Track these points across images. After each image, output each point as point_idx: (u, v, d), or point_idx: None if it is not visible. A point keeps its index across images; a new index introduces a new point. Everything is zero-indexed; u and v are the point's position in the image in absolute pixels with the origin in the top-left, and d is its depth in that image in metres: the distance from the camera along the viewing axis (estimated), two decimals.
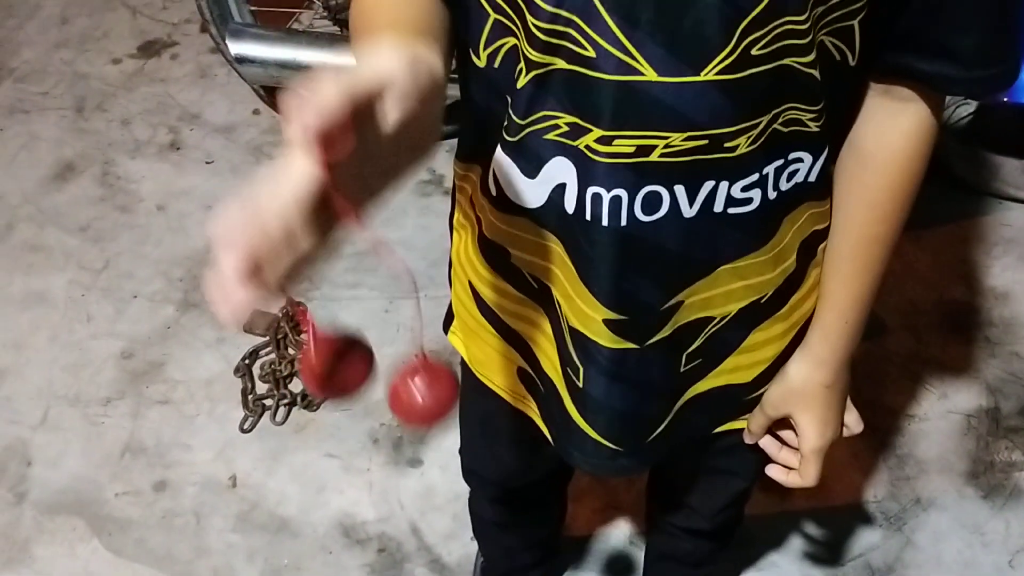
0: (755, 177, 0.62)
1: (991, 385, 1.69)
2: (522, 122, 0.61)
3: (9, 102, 2.24)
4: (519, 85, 0.60)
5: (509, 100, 0.62)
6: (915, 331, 1.75)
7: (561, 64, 0.57)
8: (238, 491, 1.58)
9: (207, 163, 2.10)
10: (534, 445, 0.89)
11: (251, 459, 1.62)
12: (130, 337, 1.78)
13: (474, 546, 1.47)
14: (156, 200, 2.02)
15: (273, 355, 1.73)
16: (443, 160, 2.03)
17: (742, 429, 0.85)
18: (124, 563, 1.51)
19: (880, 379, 1.68)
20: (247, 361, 1.72)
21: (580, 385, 0.75)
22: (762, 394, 0.81)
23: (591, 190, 0.62)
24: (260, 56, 1.87)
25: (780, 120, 0.60)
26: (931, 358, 1.72)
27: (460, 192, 0.78)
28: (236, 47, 1.86)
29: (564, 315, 0.71)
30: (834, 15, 0.57)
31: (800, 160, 0.64)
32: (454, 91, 0.67)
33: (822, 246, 0.73)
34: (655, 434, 0.79)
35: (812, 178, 0.66)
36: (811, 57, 0.57)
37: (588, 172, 0.61)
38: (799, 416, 0.79)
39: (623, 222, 0.62)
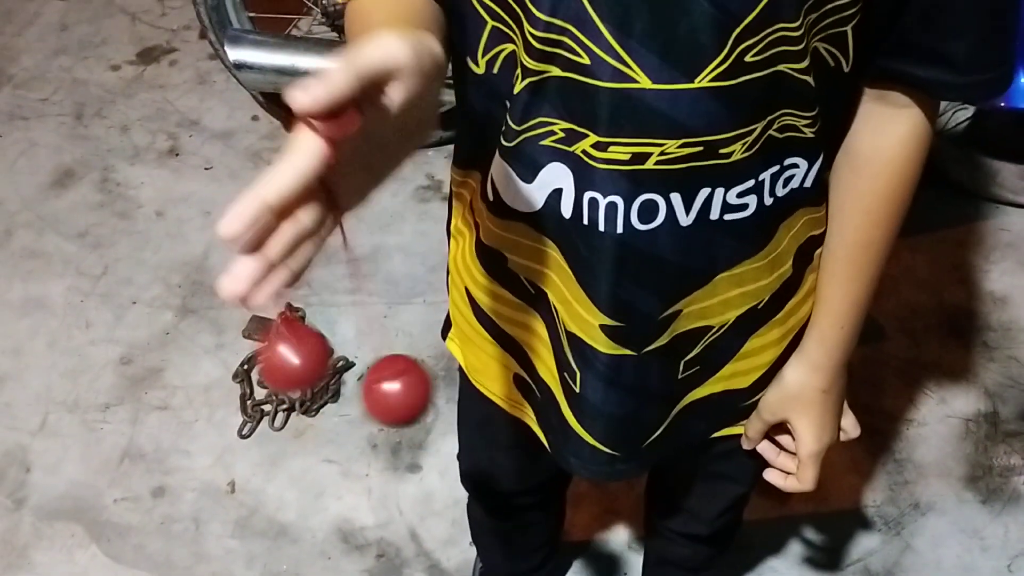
0: (751, 183, 0.63)
1: (989, 389, 1.69)
2: (518, 128, 0.62)
3: (8, 109, 2.24)
4: (515, 91, 0.60)
5: (508, 105, 0.62)
6: (913, 336, 1.75)
7: (556, 71, 0.57)
8: (237, 497, 1.58)
9: (206, 169, 2.10)
10: (532, 451, 0.89)
11: (250, 465, 1.62)
12: (129, 343, 1.78)
13: (473, 551, 1.46)
14: (155, 206, 2.02)
15: None
16: (441, 166, 2.03)
17: (740, 434, 0.85)
18: (123, 569, 1.50)
19: (878, 384, 1.68)
20: (246, 367, 1.72)
21: (577, 390, 0.75)
22: (759, 399, 0.81)
23: (588, 195, 0.62)
24: (259, 62, 1.87)
25: (775, 126, 0.60)
26: (929, 362, 1.72)
27: (457, 198, 0.78)
28: (235, 53, 1.86)
29: (561, 320, 0.71)
30: (827, 21, 0.57)
31: (796, 166, 0.64)
32: (449, 97, 0.67)
33: (818, 251, 0.73)
34: (652, 439, 0.79)
35: (808, 184, 0.66)
36: (805, 63, 0.57)
37: (584, 177, 0.61)
38: (796, 421, 0.79)
39: (620, 229, 0.62)
